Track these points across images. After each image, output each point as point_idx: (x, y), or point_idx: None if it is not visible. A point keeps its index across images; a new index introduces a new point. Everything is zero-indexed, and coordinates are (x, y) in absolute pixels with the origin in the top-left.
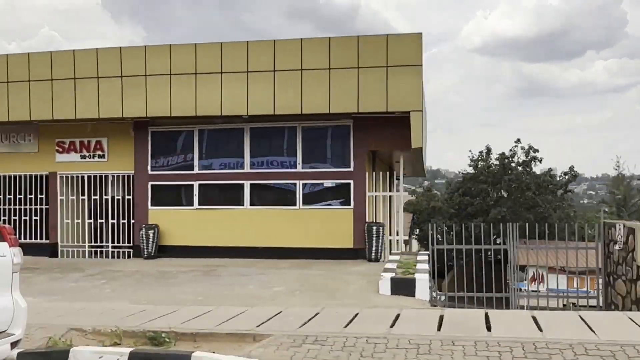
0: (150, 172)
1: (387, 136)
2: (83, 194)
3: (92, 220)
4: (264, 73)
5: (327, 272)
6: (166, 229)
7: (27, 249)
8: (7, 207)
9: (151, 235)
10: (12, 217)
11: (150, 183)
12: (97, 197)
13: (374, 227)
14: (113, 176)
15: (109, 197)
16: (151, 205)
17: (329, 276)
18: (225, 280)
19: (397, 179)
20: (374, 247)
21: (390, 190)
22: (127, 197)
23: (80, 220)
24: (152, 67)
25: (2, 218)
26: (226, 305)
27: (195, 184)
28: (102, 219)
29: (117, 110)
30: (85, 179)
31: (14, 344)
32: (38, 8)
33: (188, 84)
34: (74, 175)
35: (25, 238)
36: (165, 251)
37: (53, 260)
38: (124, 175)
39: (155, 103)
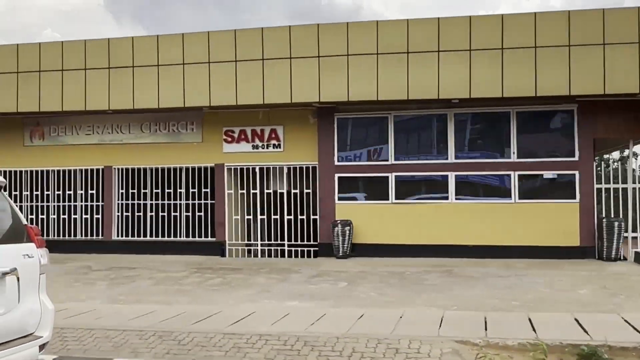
0: (336, 163)
1: (619, 122)
2: (254, 188)
3: (264, 217)
4: (490, 51)
5: (595, 274)
6: (356, 225)
7: (192, 248)
8: (166, 202)
9: (347, 232)
10: (173, 213)
11: (337, 175)
12: (271, 191)
13: (616, 223)
14: (289, 168)
15: (284, 191)
16: (338, 199)
17: (606, 278)
18: (493, 282)
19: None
20: (614, 244)
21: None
22: (305, 190)
23: (251, 216)
24: (356, 46)
25: (161, 214)
26: (582, 312)
27: (391, 176)
28: (276, 214)
29: (312, 94)
30: (257, 170)
31: (41, 347)
32: (40, 9)
33: (398, 63)
34: (244, 167)
35: (187, 236)
36: (354, 250)
37: (235, 260)
38: (302, 167)
39: (358, 86)
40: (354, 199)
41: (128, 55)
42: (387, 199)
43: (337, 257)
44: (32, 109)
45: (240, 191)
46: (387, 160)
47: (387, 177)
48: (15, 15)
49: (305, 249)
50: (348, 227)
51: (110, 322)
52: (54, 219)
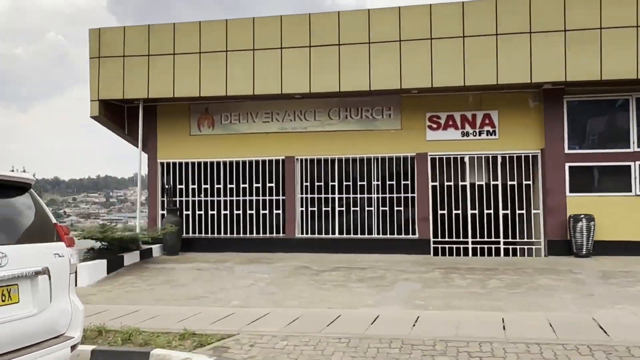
0: (567, 151)
1: None
2: (463, 179)
3: (475, 211)
4: None
5: None
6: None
7: (390, 246)
8: (358, 195)
9: (592, 228)
10: (366, 208)
11: (567, 164)
12: (483, 183)
13: None
14: (504, 157)
15: (498, 183)
16: (570, 191)
17: None
18: None
19: None
20: None
21: None
22: (524, 182)
23: (460, 211)
24: (610, 19)
25: (353, 209)
26: None
27: (634, 165)
28: (489, 209)
29: (554, 72)
30: (467, 160)
31: (73, 347)
32: (43, 11)
33: None
34: (451, 157)
35: (384, 233)
36: (593, 247)
37: (468, 259)
38: (520, 156)
39: (613, 62)
40: (588, 190)
41: (333, 32)
42: (630, 191)
43: (578, 256)
44: (218, 93)
45: (447, 183)
46: (629, 147)
47: (629, 166)
48: (18, 17)
49: (526, 247)
50: (592, 222)
51: (489, 333)
52: (226, 215)
